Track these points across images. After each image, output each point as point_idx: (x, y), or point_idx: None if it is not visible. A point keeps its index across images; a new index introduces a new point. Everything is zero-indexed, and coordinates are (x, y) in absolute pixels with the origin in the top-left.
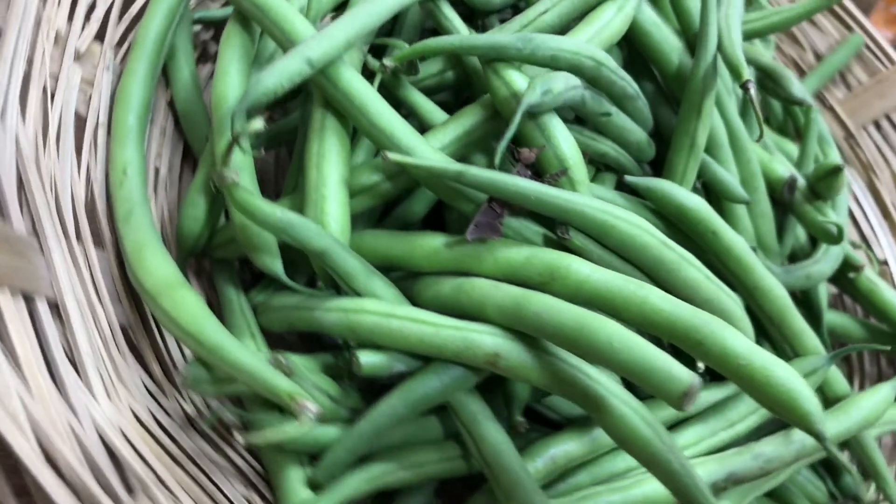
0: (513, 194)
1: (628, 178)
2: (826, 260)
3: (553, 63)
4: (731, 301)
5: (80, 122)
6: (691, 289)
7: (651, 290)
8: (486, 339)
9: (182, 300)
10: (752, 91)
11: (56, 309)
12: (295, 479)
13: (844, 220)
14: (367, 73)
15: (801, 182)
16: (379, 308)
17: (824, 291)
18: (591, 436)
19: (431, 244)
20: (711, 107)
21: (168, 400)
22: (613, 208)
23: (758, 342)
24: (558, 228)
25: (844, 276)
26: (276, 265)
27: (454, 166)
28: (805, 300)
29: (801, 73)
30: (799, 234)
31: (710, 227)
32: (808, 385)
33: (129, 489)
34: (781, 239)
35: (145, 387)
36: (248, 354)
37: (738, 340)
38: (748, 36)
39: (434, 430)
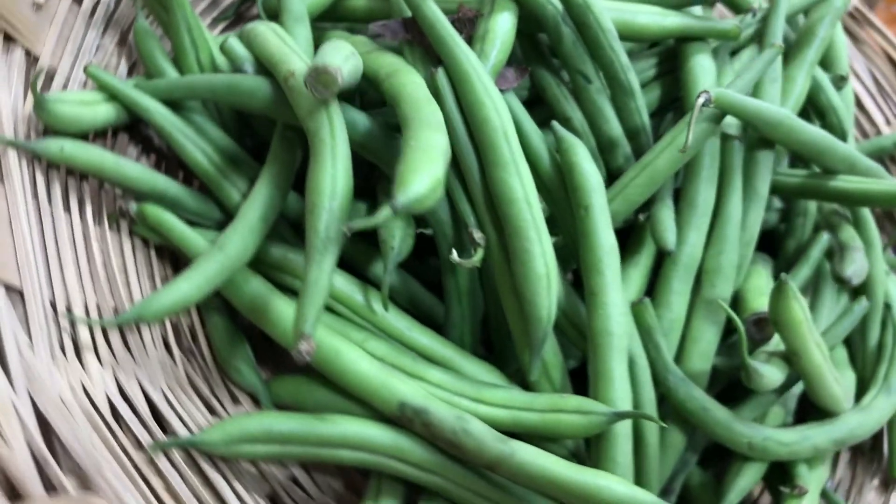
0: (416, 8)
1: (554, 122)
2: (744, 426)
3: None
4: (539, 247)
5: None
6: (504, 197)
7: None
8: (294, 60)
9: None
10: (700, 101)
11: None
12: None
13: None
14: None
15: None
16: (275, 28)
17: (745, 483)
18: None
19: (354, 39)
20: (685, 144)
21: None
22: (486, 75)
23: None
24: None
25: (777, 480)
26: None
27: None
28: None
29: None
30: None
31: (586, 202)
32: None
33: None
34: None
35: None
36: None
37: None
38: (833, 197)
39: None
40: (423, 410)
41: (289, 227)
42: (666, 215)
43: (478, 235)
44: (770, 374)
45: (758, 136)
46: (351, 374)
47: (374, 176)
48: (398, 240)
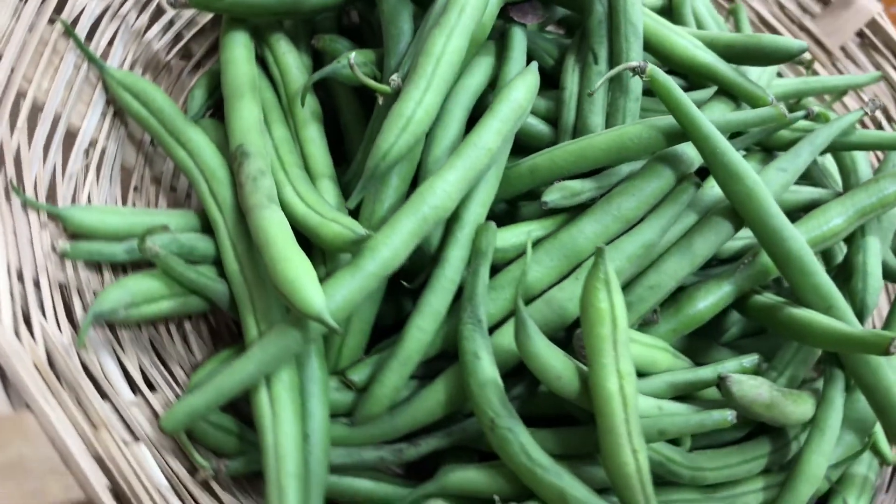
0: None
1: (534, 61)
2: (499, 400)
3: None
4: (418, 96)
5: None
6: (423, 50)
7: None
8: None
9: None
10: (633, 64)
11: None
12: None
13: None
14: None
15: None
16: None
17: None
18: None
19: None
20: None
21: None
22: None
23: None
24: None
25: None
26: None
27: None
28: None
29: None
30: None
31: (493, 106)
32: None
33: None
34: None
35: None
36: None
37: None
38: (781, 326)
39: None
40: (247, 155)
41: None
42: (573, 186)
43: (393, 79)
44: (549, 353)
45: (727, 206)
46: (236, 115)
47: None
48: (344, 60)
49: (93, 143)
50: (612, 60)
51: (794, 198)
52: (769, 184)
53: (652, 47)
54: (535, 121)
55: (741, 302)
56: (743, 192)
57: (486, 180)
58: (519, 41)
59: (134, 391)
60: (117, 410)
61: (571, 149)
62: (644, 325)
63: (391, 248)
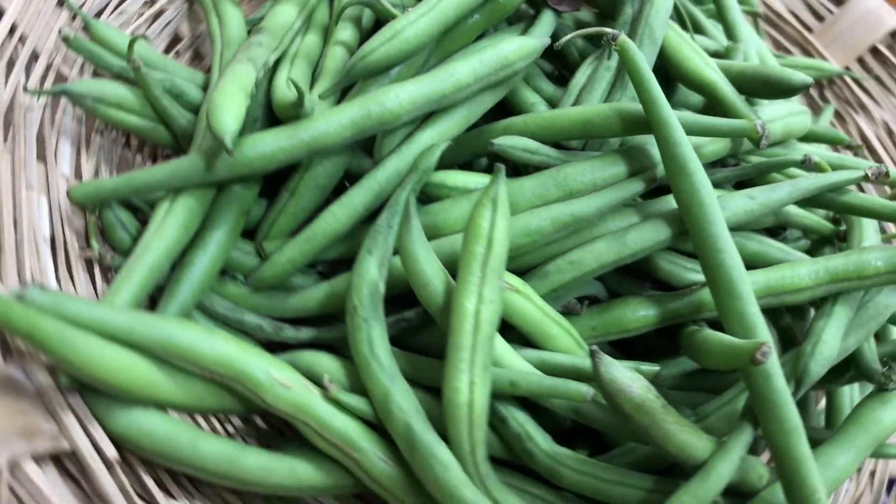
0: None
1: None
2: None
3: None
4: (402, 23)
5: None
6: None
7: None
8: None
9: None
10: (608, 31)
11: None
12: None
13: None
14: None
15: None
16: None
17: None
18: None
19: None
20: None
21: None
22: None
23: None
24: None
25: None
26: None
27: None
28: None
29: None
30: None
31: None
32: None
33: None
34: None
35: None
36: None
37: None
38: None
39: None
40: (259, 31)
41: None
42: (527, 142)
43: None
44: (425, 258)
45: (675, 211)
46: (273, 11)
47: None
48: None
49: (155, 1)
50: (620, 58)
51: (781, 256)
52: (728, 202)
53: (667, 56)
54: (537, 100)
55: (677, 331)
56: (688, 190)
57: (451, 116)
58: (545, 22)
59: (76, 177)
60: (46, 173)
61: (545, 115)
62: (566, 313)
63: (327, 124)
